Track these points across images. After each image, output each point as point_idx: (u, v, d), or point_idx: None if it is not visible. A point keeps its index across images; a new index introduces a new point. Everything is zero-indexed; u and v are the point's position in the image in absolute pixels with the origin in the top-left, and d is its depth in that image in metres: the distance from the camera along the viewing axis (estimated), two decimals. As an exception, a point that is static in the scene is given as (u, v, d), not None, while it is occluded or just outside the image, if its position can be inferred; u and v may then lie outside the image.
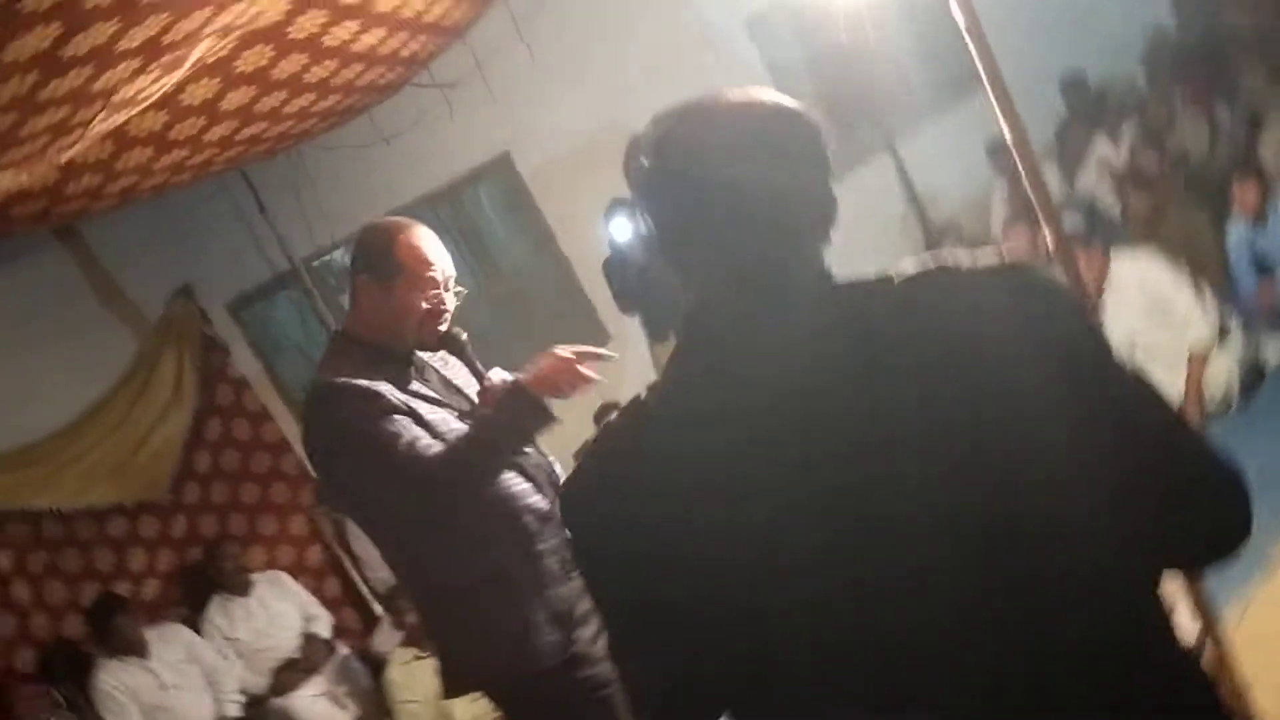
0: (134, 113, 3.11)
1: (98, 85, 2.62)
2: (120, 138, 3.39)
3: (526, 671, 2.43)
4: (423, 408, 2.41)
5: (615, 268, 5.83)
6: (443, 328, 2.51)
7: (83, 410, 5.61)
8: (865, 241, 3.91)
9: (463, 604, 2.44)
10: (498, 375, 2.58)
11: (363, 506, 2.57)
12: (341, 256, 6.41)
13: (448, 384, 2.56)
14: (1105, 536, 1.24)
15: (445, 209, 6.82)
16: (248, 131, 4.08)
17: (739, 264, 1.29)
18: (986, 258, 1.30)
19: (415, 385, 2.46)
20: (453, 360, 2.62)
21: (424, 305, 2.44)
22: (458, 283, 2.54)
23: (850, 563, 1.21)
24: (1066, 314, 1.30)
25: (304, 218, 5.81)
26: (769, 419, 1.24)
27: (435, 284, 2.45)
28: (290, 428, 6.12)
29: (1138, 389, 1.30)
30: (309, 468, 3.85)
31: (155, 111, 3.33)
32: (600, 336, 6.46)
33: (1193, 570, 1.35)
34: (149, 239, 5.67)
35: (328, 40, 3.60)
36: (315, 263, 6.39)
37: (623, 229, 5.51)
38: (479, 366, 2.62)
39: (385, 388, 2.37)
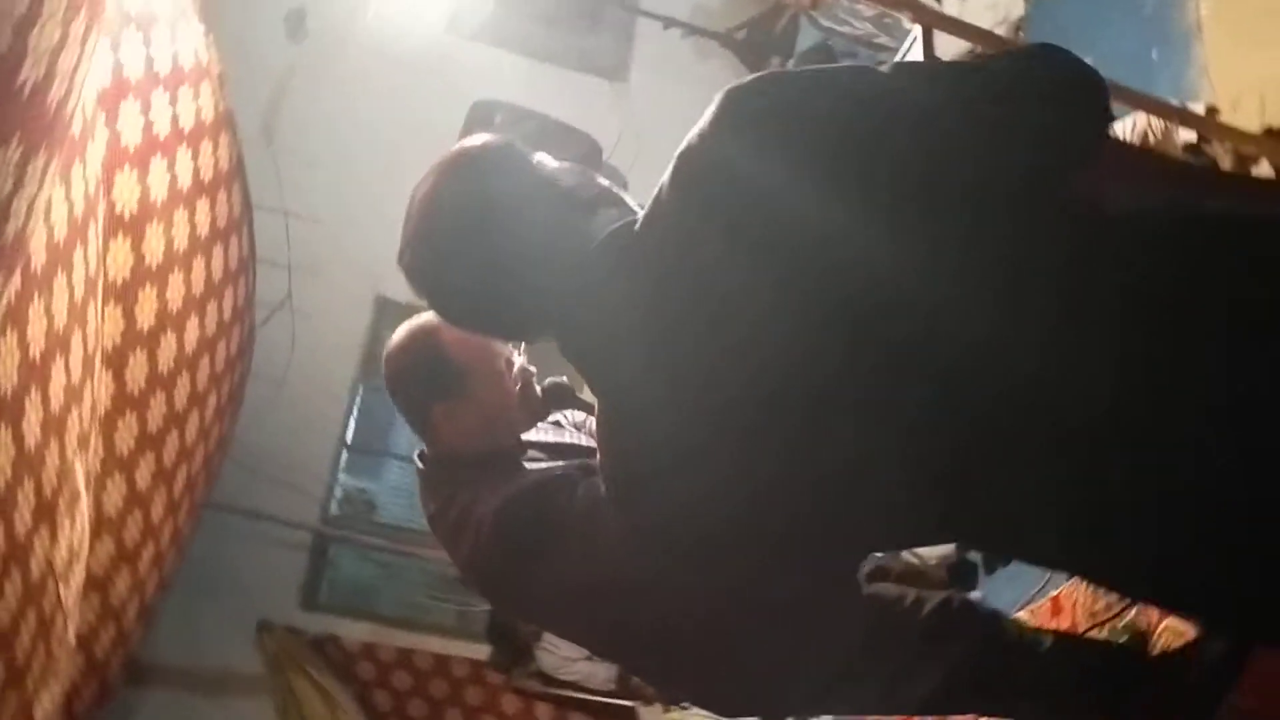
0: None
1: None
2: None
3: None
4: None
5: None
6: (538, 389, 2.12)
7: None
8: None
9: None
10: None
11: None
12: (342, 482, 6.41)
13: (557, 448, 2.17)
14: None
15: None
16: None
17: None
18: None
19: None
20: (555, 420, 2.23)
21: (516, 390, 2.06)
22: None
23: None
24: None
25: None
26: None
27: (508, 359, 2.06)
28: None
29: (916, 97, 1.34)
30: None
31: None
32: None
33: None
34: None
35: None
36: (332, 513, 6.37)
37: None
38: (586, 399, 2.14)
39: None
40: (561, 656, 5.78)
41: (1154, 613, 2.36)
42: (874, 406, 1.33)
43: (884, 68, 1.43)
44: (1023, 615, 3.08)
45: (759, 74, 1.42)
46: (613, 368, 1.48)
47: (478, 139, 1.57)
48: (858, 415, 1.34)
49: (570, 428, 2.25)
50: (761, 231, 1.31)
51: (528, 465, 2.06)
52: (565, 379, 2.14)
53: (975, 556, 3.90)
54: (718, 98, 1.36)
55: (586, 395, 2.07)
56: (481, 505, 1.97)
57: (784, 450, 1.37)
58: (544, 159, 1.55)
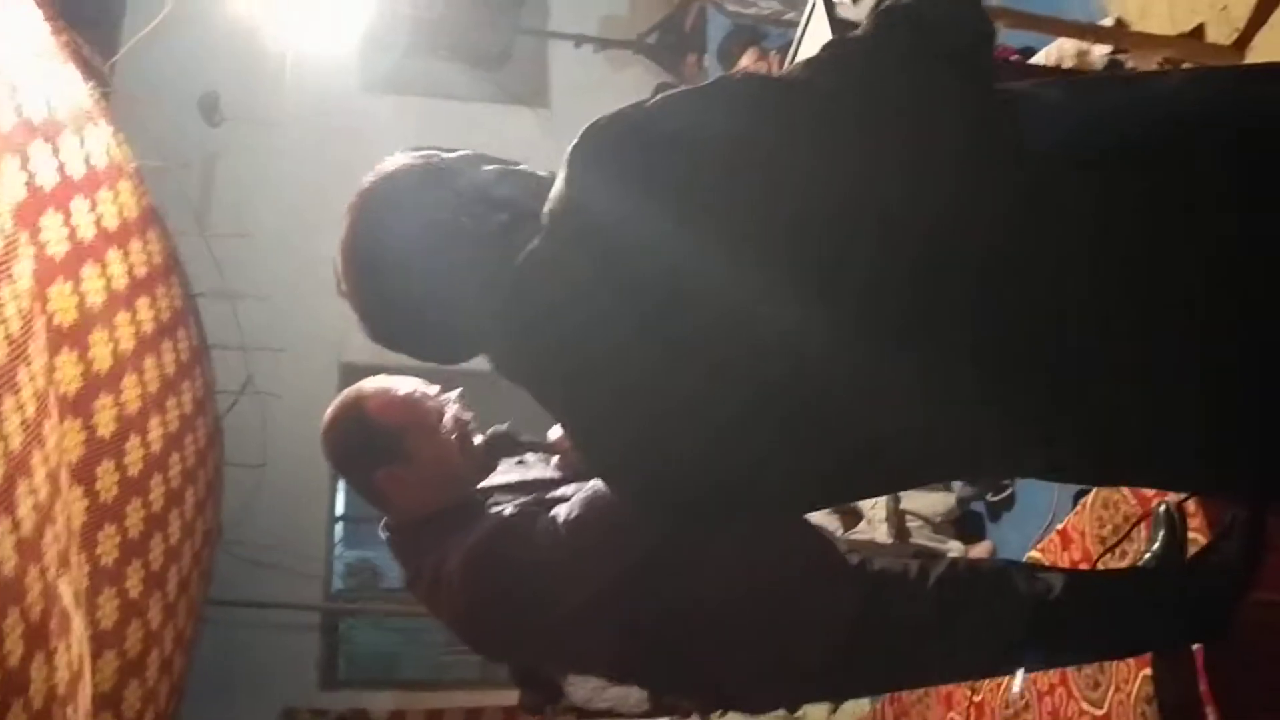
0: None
1: None
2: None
3: None
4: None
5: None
6: (478, 440, 2.09)
7: None
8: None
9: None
10: None
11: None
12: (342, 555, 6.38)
13: (522, 486, 2.13)
14: None
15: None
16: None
17: None
18: None
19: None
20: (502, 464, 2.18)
21: (453, 441, 2.03)
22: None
23: None
24: None
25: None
26: None
27: (440, 412, 2.04)
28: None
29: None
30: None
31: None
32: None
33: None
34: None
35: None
36: (337, 587, 6.32)
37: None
38: (534, 441, 2.16)
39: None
40: (592, 687, 5.74)
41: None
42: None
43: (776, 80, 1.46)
44: (1035, 554, 3.07)
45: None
46: (542, 384, 1.49)
47: (392, 164, 1.55)
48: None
49: (537, 461, 2.22)
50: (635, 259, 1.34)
51: (492, 511, 2.01)
52: (506, 427, 2.13)
53: (979, 506, 3.90)
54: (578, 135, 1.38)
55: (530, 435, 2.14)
56: (449, 562, 1.94)
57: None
58: (464, 170, 1.53)
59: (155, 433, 3.58)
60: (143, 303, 3.51)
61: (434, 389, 2.08)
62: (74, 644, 2.67)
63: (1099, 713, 2.73)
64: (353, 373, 6.40)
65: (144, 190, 3.55)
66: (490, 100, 7.00)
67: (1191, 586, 2.19)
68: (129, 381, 3.37)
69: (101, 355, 3.21)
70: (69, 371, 3.01)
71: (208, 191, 6.17)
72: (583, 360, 1.40)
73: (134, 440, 3.42)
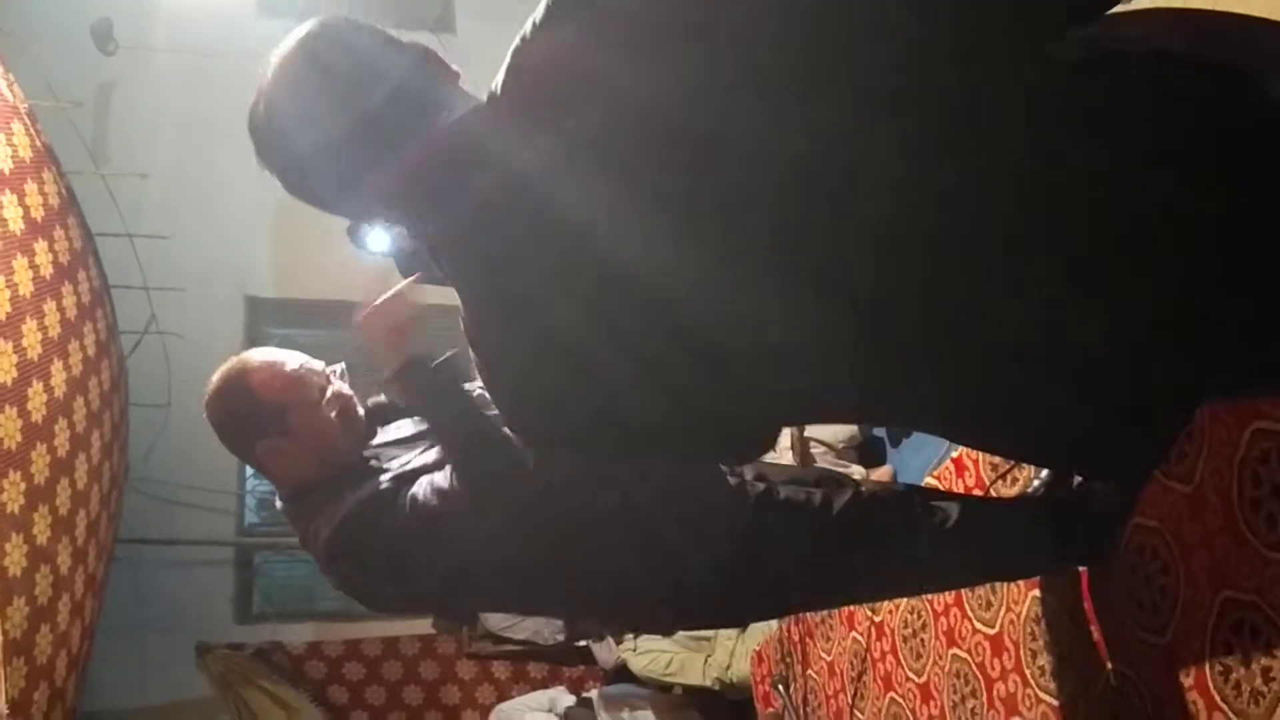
0: None
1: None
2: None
3: None
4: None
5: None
6: (360, 414, 2.12)
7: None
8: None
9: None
10: None
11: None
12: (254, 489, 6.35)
13: (403, 441, 2.16)
14: None
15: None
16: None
17: None
18: None
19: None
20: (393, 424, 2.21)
21: (332, 415, 2.06)
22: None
23: None
24: None
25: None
26: None
27: (322, 388, 2.06)
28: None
29: None
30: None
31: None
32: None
33: None
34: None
35: None
36: (249, 522, 6.30)
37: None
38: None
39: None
40: (506, 616, 5.83)
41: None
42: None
43: None
44: (931, 479, 3.18)
45: None
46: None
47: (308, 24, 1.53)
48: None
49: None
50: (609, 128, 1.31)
51: (370, 478, 2.03)
52: (383, 397, 2.17)
53: (880, 433, 4.01)
54: None
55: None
56: (322, 531, 1.98)
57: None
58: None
59: (58, 377, 3.54)
60: (40, 246, 3.45)
61: (318, 364, 2.11)
62: (-17, 594, 2.68)
63: (991, 632, 2.85)
64: (257, 306, 6.39)
65: (37, 131, 3.47)
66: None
67: (1077, 512, 2.28)
68: (29, 327, 3.33)
69: (0, 301, 3.16)
70: (-35, 320, 2.98)
71: (103, 128, 6.00)
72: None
73: (36, 386, 3.38)
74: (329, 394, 2.07)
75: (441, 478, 1.92)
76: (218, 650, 5.89)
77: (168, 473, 5.58)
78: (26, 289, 3.33)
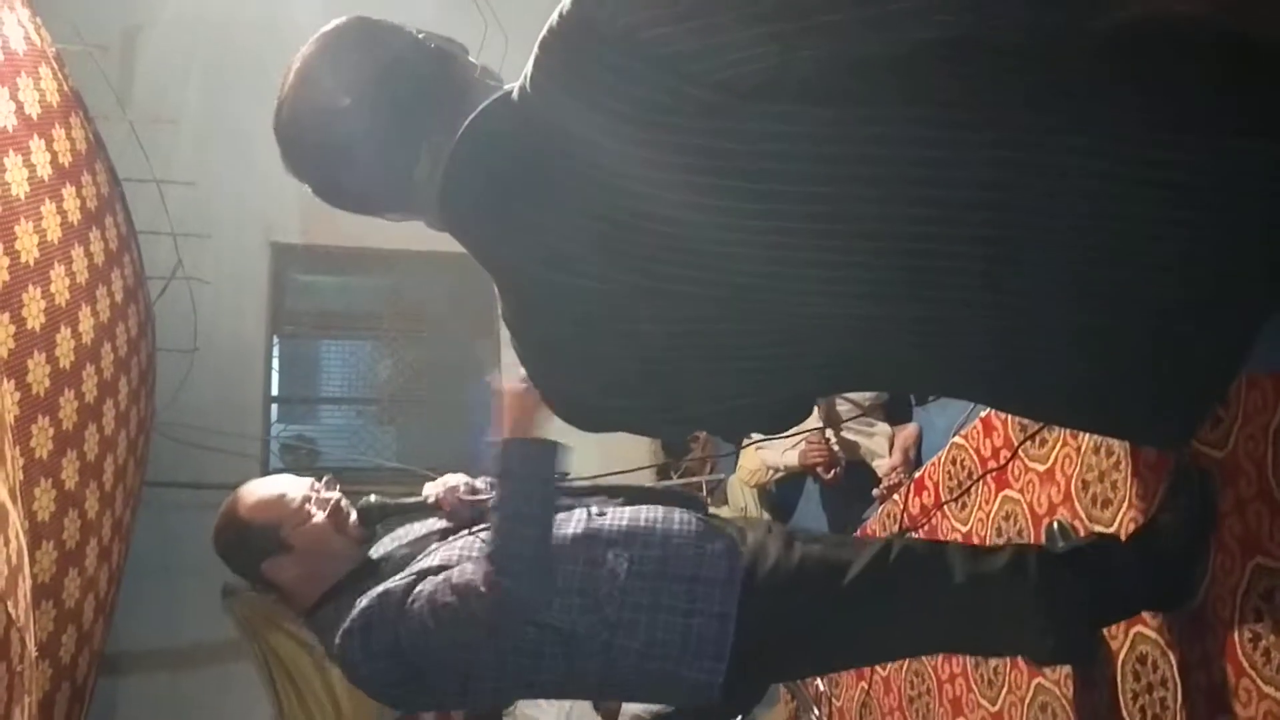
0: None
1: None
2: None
3: None
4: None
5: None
6: (353, 515, 2.25)
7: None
8: None
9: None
10: (452, 478, 2.31)
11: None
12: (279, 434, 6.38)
13: (411, 543, 2.26)
14: None
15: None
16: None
17: None
18: None
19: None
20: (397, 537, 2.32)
21: (322, 520, 2.21)
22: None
23: None
24: None
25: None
26: None
27: (308, 499, 2.23)
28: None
29: None
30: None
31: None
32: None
33: None
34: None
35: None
36: (274, 466, 6.33)
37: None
38: (407, 503, 2.32)
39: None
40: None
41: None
42: None
43: None
44: (959, 440, 3.16)
45: None
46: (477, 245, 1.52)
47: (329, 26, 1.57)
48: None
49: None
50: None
51: (387, 568, 2.15)
52: (374, 498, 2.29)
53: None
54: None
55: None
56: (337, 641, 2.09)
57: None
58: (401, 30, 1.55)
59: (86, 323, 3.55)
60: (68, 192, 3.45)
61: (302, 481, 2.29)
62: (12, 538, 2.69)
63: (993, 709, 2.89)
64: (283, 252, 6.38)
65: (65, 75, 3.46)
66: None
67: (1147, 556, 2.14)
68: (57, 273, 3.33)
69: (28, 246, 3.16)
70: (-5, 265, 2.98)
71: (129, 73, 5.97)
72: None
73: (65, 332, 3.39)
74: (313, 499, 2.24)
75: (457, 574, 1.99)
76: (243, 593, 5.93)
77: (194, 417, 5.59)
78: (55, 235, 3.33)
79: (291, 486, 2.26)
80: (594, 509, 2.15)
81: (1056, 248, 1.33)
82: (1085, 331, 1.39)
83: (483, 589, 1.93)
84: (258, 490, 2.28)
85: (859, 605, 2.06)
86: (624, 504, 2.20)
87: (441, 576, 2.01)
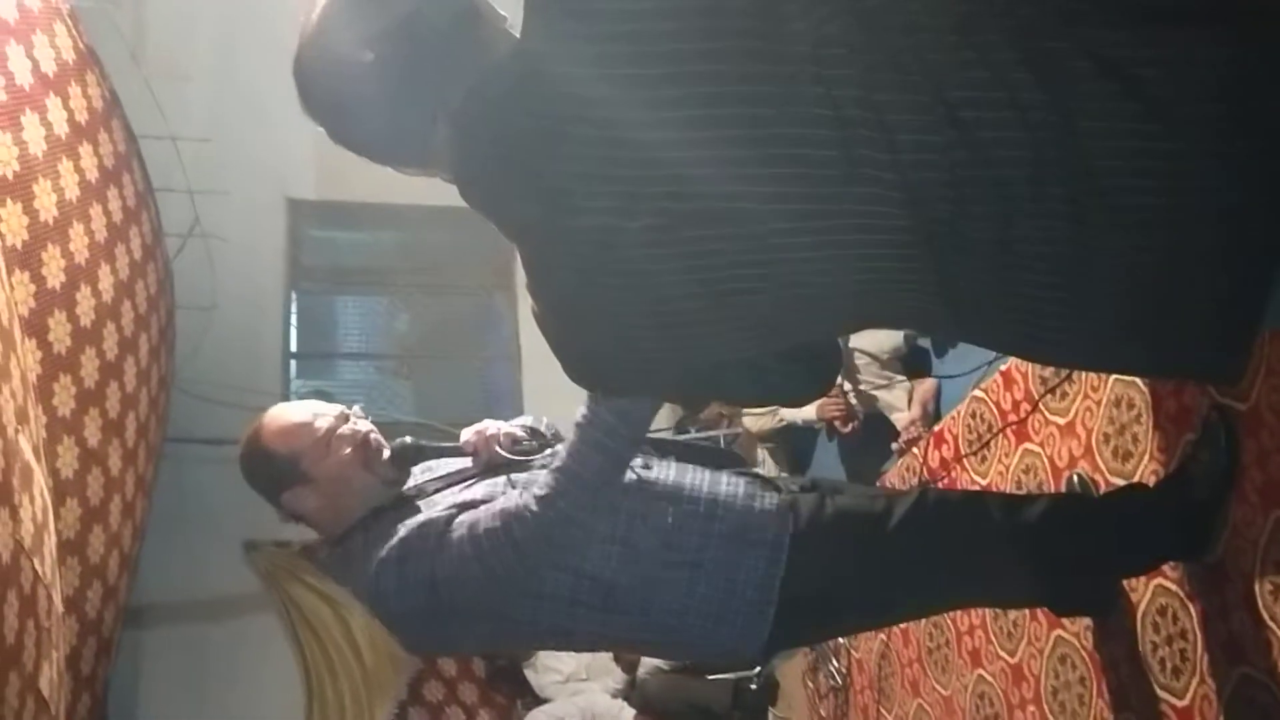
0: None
1: None
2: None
3: None
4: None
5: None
6: (386, 453, 2.16)
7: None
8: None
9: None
10: (491, 425, 2.24)
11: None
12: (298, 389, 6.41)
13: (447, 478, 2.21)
14: None
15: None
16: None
17: None
18: None
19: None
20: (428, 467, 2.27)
21: (346, 455, 2.13)
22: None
23: None
24: None
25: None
26: None
27: (333, 430, 2.14)
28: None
29: None
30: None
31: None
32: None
33: None
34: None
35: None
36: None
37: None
38: (442, 446, 2.26)
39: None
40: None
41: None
42: None
43: None
44: (978, 393, 3.16)
45: None
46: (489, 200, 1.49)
47: None
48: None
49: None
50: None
51: (422, 502, 2.11)
52: (409, 439, 2.22)
53: (925, 343, 3.98)
54: None
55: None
56: (372, 561, 2.05)
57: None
58: None
59: (106, 281, 3.56)
60: (85, 149, 3.45)
61: (331, 408, 2.19)
62: (37, 496, 2.72)
63: (1012, 661, 2.91)
64: (299, 207, 6.38)
65: (80, 32, 3.45)
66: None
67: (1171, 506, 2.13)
68: (76, 231, 3.34)
69: (47, 205, 3.17)
70: (14, 223, 2.98)
71: (143, 27, 5.95)
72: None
73: (85, 290, 3.40)
74: (339, 431, 2.14)
75: (504, 500, 1.97)
76: (265, 547, 5.97)
77: (213, 374, 5.61)
78: (73, 193, 3.33)
79: (319, 413, 2.16)
80: (640, 463, 2.10)
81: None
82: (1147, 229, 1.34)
83: (534, 508, 1.91)
84: (282, 416, 2.18)
85: (905, 550, 2.05)
86: (674, 460, 2.17)
87: (485, 506, 1.98)
